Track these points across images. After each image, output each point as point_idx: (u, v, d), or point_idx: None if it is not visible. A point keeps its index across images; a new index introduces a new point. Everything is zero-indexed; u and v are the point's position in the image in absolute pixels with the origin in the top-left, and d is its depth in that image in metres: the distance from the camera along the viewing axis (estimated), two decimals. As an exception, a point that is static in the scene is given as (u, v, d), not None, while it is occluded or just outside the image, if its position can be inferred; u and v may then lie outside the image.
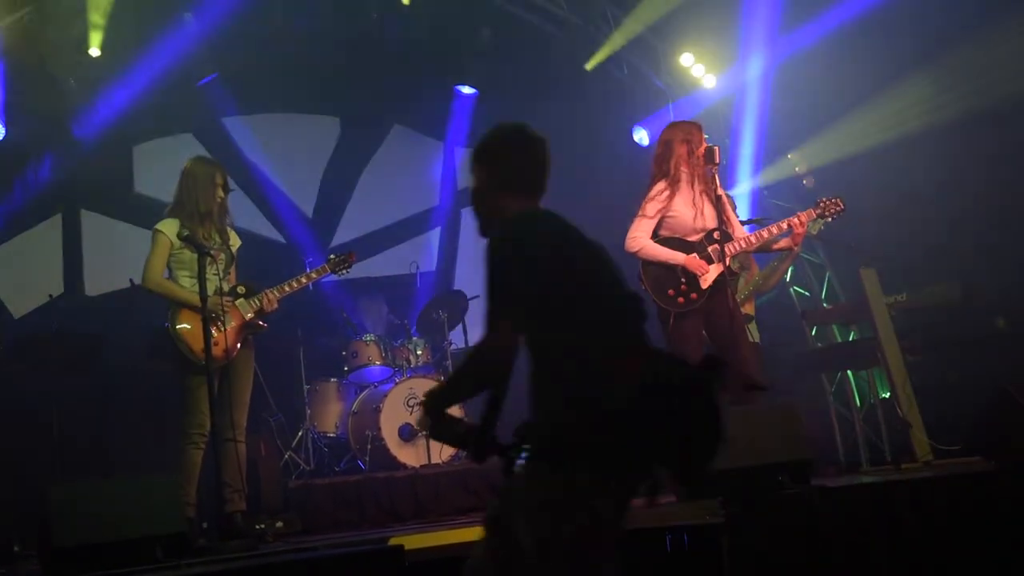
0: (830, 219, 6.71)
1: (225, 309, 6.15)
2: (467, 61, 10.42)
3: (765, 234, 6.36)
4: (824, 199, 6.65)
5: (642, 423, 2.69)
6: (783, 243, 6.49)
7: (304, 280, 6.63)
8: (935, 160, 8.40)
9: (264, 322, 6.39)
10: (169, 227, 6.16)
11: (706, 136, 6.32)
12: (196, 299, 5.78)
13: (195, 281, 5.90)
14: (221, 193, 6.32)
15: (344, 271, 7.06)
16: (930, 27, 8.37)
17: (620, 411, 2.70)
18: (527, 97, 10.27)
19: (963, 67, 8.22)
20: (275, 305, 6.41)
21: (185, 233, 5.96)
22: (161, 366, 6.68)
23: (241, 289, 6.32)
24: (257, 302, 6.32)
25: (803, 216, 6.42)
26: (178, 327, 6.06)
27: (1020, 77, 7.92)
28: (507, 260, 2.96)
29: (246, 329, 6.29)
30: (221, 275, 6.21)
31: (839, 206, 6.62)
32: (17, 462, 7.47)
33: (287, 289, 6.49)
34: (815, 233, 7.63)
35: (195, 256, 5.89)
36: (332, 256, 7.04)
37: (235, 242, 6.49)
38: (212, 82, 9.80)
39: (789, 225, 6.35)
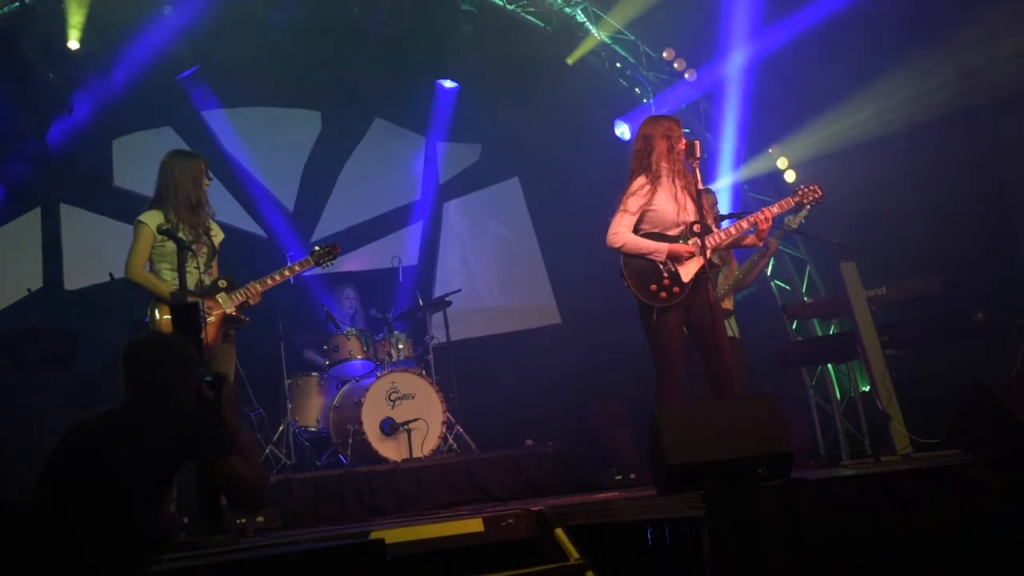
0: (809, 207, 6.64)
1: (207, 306, 6.11)
2: (449, 55, 10.40)
3: (733, 230, 6.31)
4: (802, 187, 6.58)
5: None
6: (750, 240, 6.43)
7: (287, 273, 6.61)
8: (915, 155, 8.45)
9: (245, 316, 6.36)
10: (151, 219, 6.12)
11: (686, 130, 6.32)
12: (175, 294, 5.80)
13: (176, 274, 5.89)
14: (205, 183, 6.29)
15: (328, 263, 7.01)
16: (911, 23, 8.41)
17: None
18: (508, 91, 10.31)
19: (943, 64, 8.26)
20: (258, 298, 6.38)
21: (166, 226, 5.93)
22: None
23: (223, 283, 6.29)
24: (239, 296, 6.29)
25: (768, 212, 6.30)
26: (158, 320, 6.03)
27: (1001, 74, 7.97)
28: None
29: (227, 323, 6.26)
30: (203, 268, 6.18)
31: (817, 193, 6.54)
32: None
33: (269, 282, 6.47)
34: (795, 227, 7.65)
35: (176, 249, 5.87)
36: (316, 248, 6.99)
37: (217, 235, 6.45)
38: (192, 75, 9.77)
39: (755, 221, 6.29)
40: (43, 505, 3.36)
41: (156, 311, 6.06)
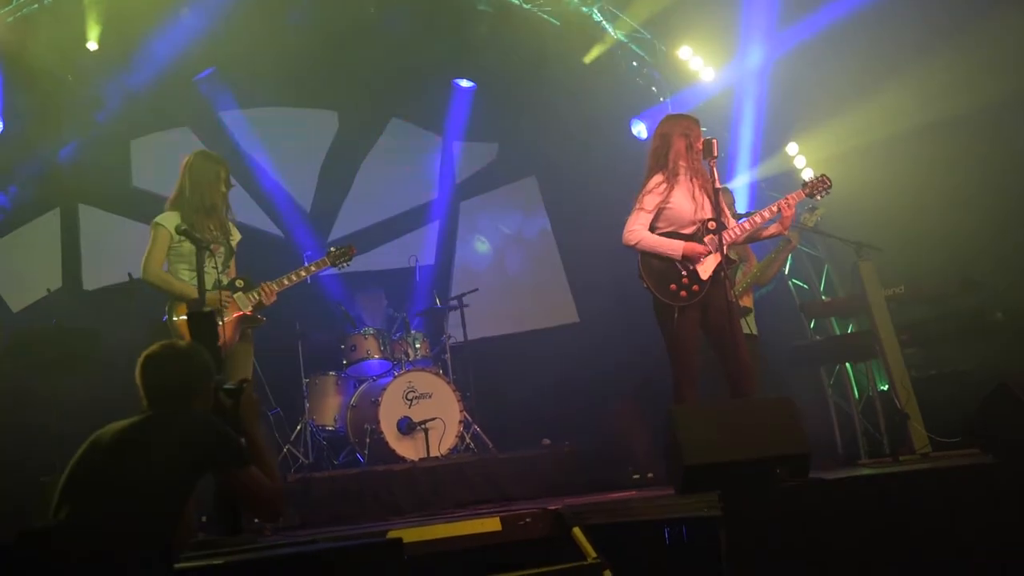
0: (819, 197, 6.59)
1: (224, 303, 6.14)
2: (465, 54, 10.42)
3: (757, 219, 6.26)
4: (811, 179, 6.57)
5: None
6: (773, 229, 6.36)
7: (303, 273, 6.62)
8: (933, 154, 8.41)
9: (262, 316, 6.38)
10: (169, 220, 6.14)
11: (703, 129, 6.30)
12: (194, 293, 5.85)
13: (194, 274, 5.92)
14: (223, 188, 6.32)
15: (344, 264, 7.02)
16: (929, 21, 8.37)
17: None
18: (525, 90, 10.30)
19: (962, 62, 8.22)
20: (273, 298, 6.39)
21: (184, 227, 5.94)
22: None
23: (240, 283, 6.31)
24: (256, 296, 6.31)
25: (791, 198, 6.29)
26: (176, 320, 6.05)
27: (1018, 72, 7.92)
28: None
29: (244, 323, 6.28)
30: (220, 268, 6.20)
31: (826, 183, 6.50)
32: (14, 456, 7.47)
33: (286, 282, 6.48)
34: (812, 225, 7.63)
35: (194, 249, 5.88)
36: (332, 249, 7.00)
37: (235, 236, 6.48)
38: (209, 76, 9.81)
39: (778, 208, 6.22)
40: (62, 523, 3.36)
41: (174, 311, 6.09)
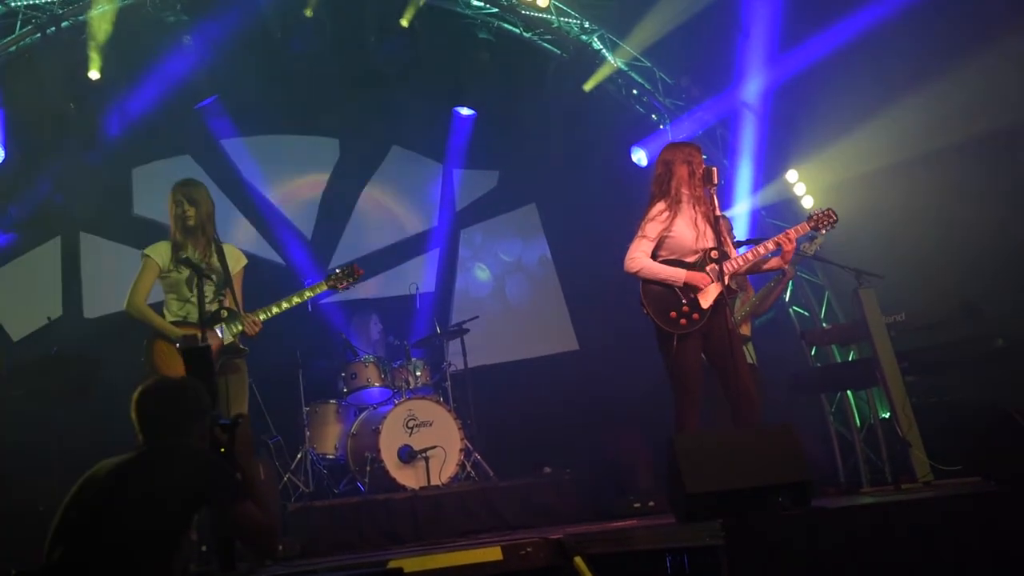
0: (824, 231, 6.60)
1: (198, 337, 5.96)
2: (465, 82, 10.46)
3: (761, 250, 6.25)
4: (816, 212, 6.57)
5: None
6: (773, 263, 6.36)
7: (296, 299, 6.42)
8: (933, 181, 8.42)
9: (244, 346, 6.22)
10: (154, 250, 6.14)
11: (704, 157, 6.31)
12: (170, 328, 5.89)
13: (183, 304, 5.96)
14: (185, 208, 6.19)
15: (348, 284, 6.72)
16: (929, 49, 8.41)
17: None
18: (525, 118, 10.34)
19: (959, 91, 8.25)
20: (257, 328, 6.22)
21: (145, 253, 6.00)
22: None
23: (223, 313, 6.21)
24: (237, 327, 6.19)
25: (792, 232, 6.25)
26: (153, 356, 5.99)
27: (1015, 102, 7.95)
28: None
29: (225, 354, 6.13)
30: (211, 298, 6.14)
31: (832, 217, 6.51)
32: (16, 485, 7.45)
33: (275, 309, 6.33)
34: (812, 253, 7.63)
35: (181, 279, 5.90)
36: (337, 271, 6.73)
37: (238, 262, 6.39)
38: (211, 104, 9.85)
39: (778, 243, 6.24)
40: (57, 563, 3.34)
41: (152, 345, 6.03)
